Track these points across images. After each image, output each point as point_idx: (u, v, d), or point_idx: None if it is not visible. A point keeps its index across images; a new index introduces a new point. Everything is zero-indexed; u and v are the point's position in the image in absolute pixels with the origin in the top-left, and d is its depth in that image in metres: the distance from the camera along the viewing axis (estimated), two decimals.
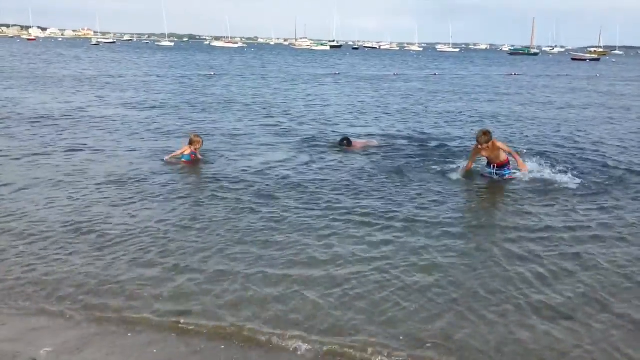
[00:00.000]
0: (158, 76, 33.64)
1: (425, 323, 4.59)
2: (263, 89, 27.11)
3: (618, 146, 12.78)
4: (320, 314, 4.71)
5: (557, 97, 26.37)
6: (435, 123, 16.37)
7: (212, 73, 37.93)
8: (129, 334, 4.45)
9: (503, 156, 9.32)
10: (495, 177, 9.34)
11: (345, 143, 11.86)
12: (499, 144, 9.28)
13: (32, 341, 4.32)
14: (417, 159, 10.76)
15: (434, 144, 12.62)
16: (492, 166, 9.45)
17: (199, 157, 10.13)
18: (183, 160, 9.96)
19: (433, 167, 10.04)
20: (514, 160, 9.34)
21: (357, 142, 12.08)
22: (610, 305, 4.94)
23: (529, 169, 9.32)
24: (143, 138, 12.62)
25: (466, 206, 7.84)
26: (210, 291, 5.08)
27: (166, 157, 10.10)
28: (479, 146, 9.18)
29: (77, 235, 6.39)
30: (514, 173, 9.32)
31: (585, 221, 7.17)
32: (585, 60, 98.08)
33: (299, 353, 4.18)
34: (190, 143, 10.06)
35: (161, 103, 19.64)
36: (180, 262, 5.69)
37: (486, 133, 9.18)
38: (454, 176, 9.43)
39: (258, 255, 5.88)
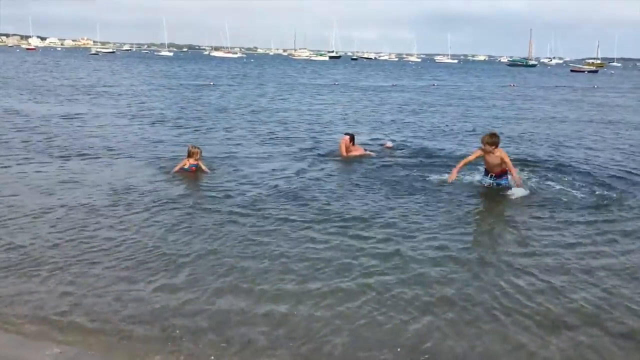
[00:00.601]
0: (154, 85, 33.70)
1: (410, 335, 4.54)
2: (259, 99, 27.17)
3: (613, 158, 12.80)
4: (304, 328, 4.66)
5: (551, 107, 26.49)
6: (430, 133, 16.38)
7: (211, 83, 38.03)
8: (126, 342, 4.38)
9: (502, 166, 9.04)
10: (491, 184, 9.15)
11: (348, 138, 11.92)
12: (503, 155, 8.95)
13: (34, 348, 4.26)
14: (410, 170, 10.70)
15: (428, 154, 12.59)
16: (489, 175, 9.21)
17: (203, 168, 9.91)
18: (187, 170, 9.84)
19: (425, 177, 9.98)
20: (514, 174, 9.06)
21: (356, 148, 12.09)
22: (599, 318, 4.89)
23: (521, 185, 8.94)
24: (138, 147, 12.59)
25: (458, 217, 7.76)
26: (204, 304, 5.01)
27: (172, 170, 9.89)
28: (482, 147, 8.96)
29: (70, 244, 6.33)
30: (509, 185, 9.03)
31: (579, 234, 7.12)
32: (583, 72, 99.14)
33: None
34: (189, 155, 9.92)
35: (157, 113, 19.65)
36: (174, 273, 5.63)
37: (492, 135, 8.94)
38: (441, 178, 9.43)
39: (247, 268, 5.81)
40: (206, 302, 5.05)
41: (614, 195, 8.97)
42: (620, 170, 11.13)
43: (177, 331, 4.54)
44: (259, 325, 4.64)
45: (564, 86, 48.43)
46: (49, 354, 4.18)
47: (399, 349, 4.32)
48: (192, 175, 9.79)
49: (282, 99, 27.39)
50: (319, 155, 12.18)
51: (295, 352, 4.29)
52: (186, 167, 9.86)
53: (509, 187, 8.99)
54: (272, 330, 4.58)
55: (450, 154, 12.62)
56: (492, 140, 8.83)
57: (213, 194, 8.61)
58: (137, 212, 7.54)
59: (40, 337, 4.45)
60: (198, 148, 10.09)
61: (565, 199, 8.66)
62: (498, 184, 9.15)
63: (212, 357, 4.19)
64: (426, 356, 4.23)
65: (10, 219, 7.10)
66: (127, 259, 5.94)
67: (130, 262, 5.86)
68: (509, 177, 9.09)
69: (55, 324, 4.64)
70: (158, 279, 5.47)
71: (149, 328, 4.61)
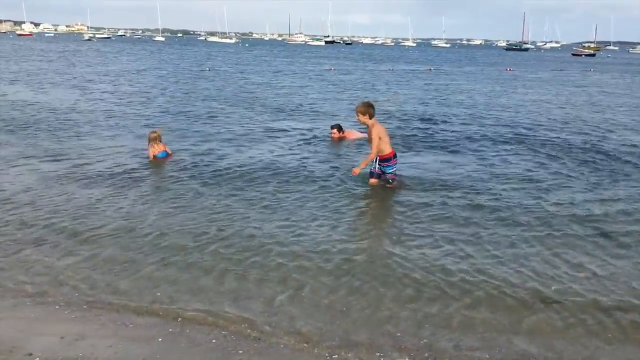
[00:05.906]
0: (139, 71, 33.30)
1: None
2: (249, 83, 26.86)
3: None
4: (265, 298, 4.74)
5: (534, 90, 26.50)
6: (428, 116, 16.33)
7: (207, 69, 37.66)
8: (130, 325, 4.38)
9: (387, 148, 7.81)
10: (380, 170, 7.99)
11: (336, 130, 11.89)
12: (374, 129, 7.66)
13: (28, 333, 4.23)
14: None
15: (419, 137, 12.62)
16: (376, 158, 7.91)
17: (168, 152, 9.78)
18: (161, 157, 9.61)
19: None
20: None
21: (350, 132, 12.09)
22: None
23: (357, 173, 7.87)
24: (126, 132, 12.56)
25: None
26: (201, 281, 5.08)
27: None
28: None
29: (58, 227, 6.34)
30: (394, 173, 7.98)
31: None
32: (581, 55, 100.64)
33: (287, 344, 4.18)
34: (151, 140, 9.64)
35: (144, 98, 19.47)
36: (167, 254, 5.67)
37: (363, 105, 7.79)
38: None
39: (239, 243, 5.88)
40: (209, 275, 5.11)
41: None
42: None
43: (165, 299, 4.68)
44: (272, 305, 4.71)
45: (561, 70, 48.45)
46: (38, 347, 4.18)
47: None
48: (167, 159, 9.64)
49: (277, 84, 27.04)
50: (305, 138, 12.23)
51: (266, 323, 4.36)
52: (157, 154, 9.57)
53: (393, 178, 7.97)
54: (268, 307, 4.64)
55: (449, 134, 12.64)
56: (358, 109, 7.78)
57: (191, 175, 8.67)
58: (126, 194, 7.56)
59: (46, 316, 4.48)
60: (156, 132, 9.86)
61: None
62: (383, 171, 8.00)
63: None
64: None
65: None
66: (130, 239, 5.98)
67: (135, 243, 5.88)
68: (395, 164, 7.99)
69: (62, 301, 4.67)
70: (157, 259, 5.50)
71: (161, 305, 4.67)
